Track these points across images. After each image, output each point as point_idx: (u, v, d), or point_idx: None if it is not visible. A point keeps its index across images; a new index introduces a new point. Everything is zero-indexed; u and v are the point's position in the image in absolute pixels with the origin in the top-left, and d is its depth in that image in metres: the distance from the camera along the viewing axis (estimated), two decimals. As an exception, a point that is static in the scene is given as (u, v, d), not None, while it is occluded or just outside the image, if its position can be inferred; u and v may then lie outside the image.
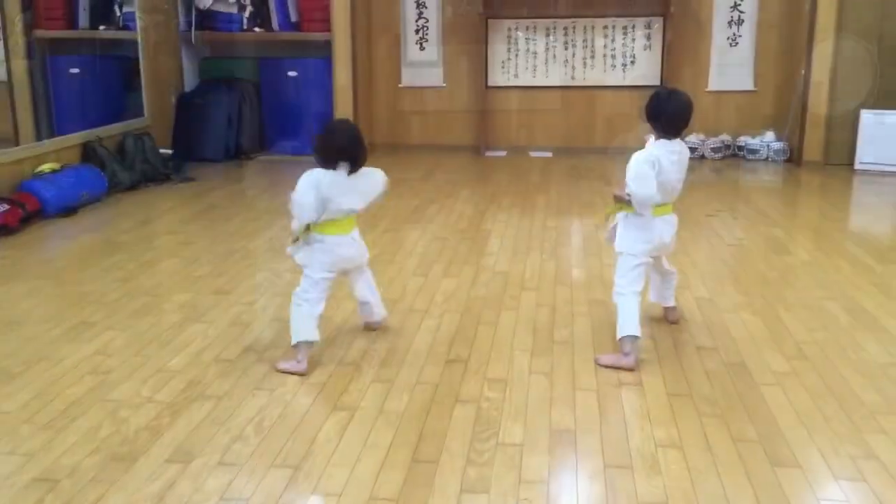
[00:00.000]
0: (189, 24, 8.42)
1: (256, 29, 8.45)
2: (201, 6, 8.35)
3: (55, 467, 2.58)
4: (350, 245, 3.35)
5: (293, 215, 3.25)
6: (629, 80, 8.61)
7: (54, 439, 2.75)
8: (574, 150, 8.68)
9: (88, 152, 6.70)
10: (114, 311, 3.96)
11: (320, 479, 2.51)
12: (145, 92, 7.77)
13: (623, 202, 3.35)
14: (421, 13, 8.80)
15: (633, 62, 8.61)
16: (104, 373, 3.26)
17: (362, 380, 3.21)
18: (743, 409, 2.95)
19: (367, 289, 3.60)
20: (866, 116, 7.56)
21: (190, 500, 2.40)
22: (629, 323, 3.30)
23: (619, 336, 3.32)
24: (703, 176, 7.53)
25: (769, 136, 8.28)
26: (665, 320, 3.78)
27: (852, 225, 6.14)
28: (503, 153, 8.76)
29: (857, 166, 7.64)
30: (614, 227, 3.47)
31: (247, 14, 8.40)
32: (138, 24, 7.63)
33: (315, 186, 3.17)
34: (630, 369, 3.26)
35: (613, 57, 8.63)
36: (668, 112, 3.32)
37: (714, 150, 8.33)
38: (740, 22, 8.38)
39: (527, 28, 8.70)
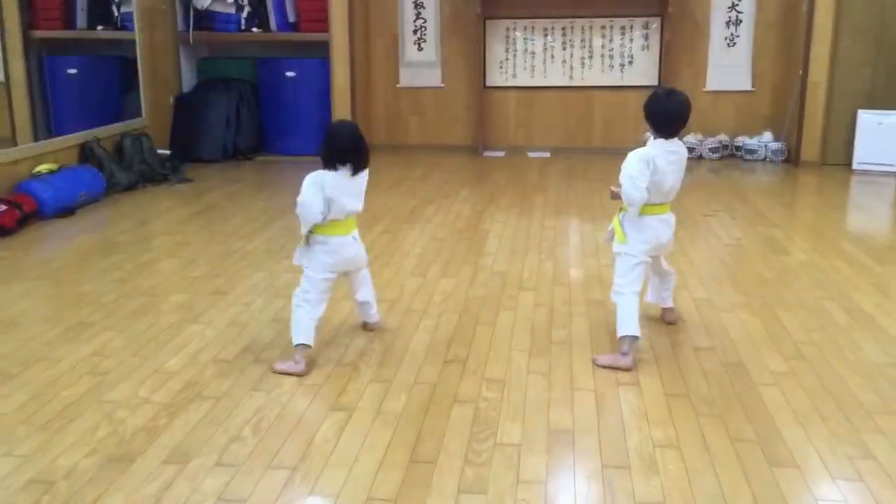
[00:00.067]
0: (187, 24, 8.42)
1: (254, 29, 8.45)
2: (199, 6, 8.34)
3: (52, 468, 2.57)
4: (351, 246, 3.35)
5: (299, 217, 3.24)
6: (627, 81, 8.61)
7: (51, 440, 2.74)
8: (572, 151, 8.68)
9: (86, 153, 6.70)
10: (111, 312, 3.95)
11: (318, 480, 2.51)
12: (143, 92, 7.77)
13: (619, 198, 3.35)
14: (419, 13, 8.80)
15: (630, 62, 8.61)
16: (101, 373, 3.26)
17: (360, 380, 3.21)
18: (741, 410, 2.95)
19: (367, 290, 3.60)
20: (864, 117, 7.57)
21: (188, 501, 2.39)
22: (628, 323, 3.30)
23: (618, 336, 3.32)
24: (701, 176, 7.54)
25: (767, 136, 8.28)
26: (662, 321, 3.78)
27: (850, 225, 6.15)
28: (501, 153, 8.76)
29: (854, 166, 7.65)
30: (613, 228, 3.47)
31: (245, 14, 8.40)
32: (136, 24, 7.62)
33: (320, 187, 3.17)
34: (628, 369, 3.26)
35: (611, 57, 8.63)
36: (666, 112, 3.32)
37: (712, 150, 8.34)
38: (738, 22, 8.39)
39: (525, 28, 8.71)
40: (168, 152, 7.71)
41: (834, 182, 7.30)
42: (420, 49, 8.87)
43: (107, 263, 4.76)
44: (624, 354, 3.30)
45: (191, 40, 8.44)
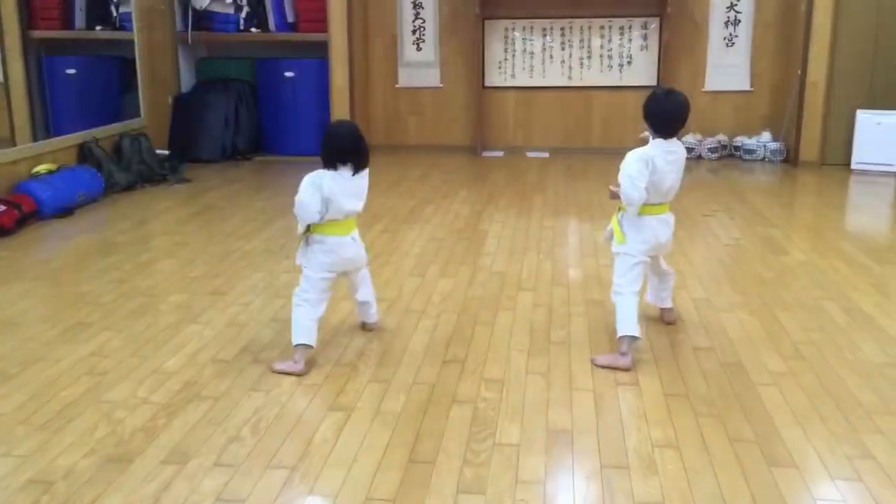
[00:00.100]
0: (186, 24, 8.41)
1: (253, 29, 8.44)
2: (198, 6, 8.34)
3: (50, 469, 2.57)
4: (351, 246, 3.34)
5: (296, 216, 3.24)
6: (626, 81, 8.61)
7: (50, 441, 2.74)
8: (571, 151, 8.68)
9: (85, 153, 6.69)
10: (110, 312, 3.95)
11: (317, 480, 2.51)
12: (142, 92, 7.76)
13: (618, 198, 3.35)
14: (418, 13, 8.80)
15: (629, 62, 8.61)
16: (100, 374, 3.26)
17: (359, 380, 3.21)
18: (740, 409, 2.95)
19: (366, 290, 3.60)
20: (863, 117, 7.58)
21: (186, 502, 2.39)
22: (628, 323, 3.30)
23: (617, 336, 3.32)
24: (700, 176, 7.54)
25: (766, 136, 8.28)
26: (661, 321, 3.78)
27: (849, 225, 6.15)
28: (500, 153, 8.76)
29: (853, 166, 7.65)
30: (611, 228, 3.47)
31: (243, 14, 8.39)
32: (135, 24, 7.61)
33: (318, 187, 3.17)
34: (626, 369, 3.26)
35: (610, 57, 8.64)
36: (665, 112, 3.32)
37: (711, 150, 8.34)
38: (737, 22, 8.39)
39: (523, 28, 8.71)
40: (167, 152, 7.71)
41: (833, 182, 7.31)
42: (419, 49, 8.87)
43: (105, 263, 4.75)
44: (623, 354, 3.30)
45: (189, 40, 8.43)
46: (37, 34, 7.30)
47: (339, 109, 8.22)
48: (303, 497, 2.44)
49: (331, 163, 3.21)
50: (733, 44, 8.43)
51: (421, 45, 8.86)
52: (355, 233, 3.37)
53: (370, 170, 3.36)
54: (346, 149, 3.21)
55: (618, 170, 3.30)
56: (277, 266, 4.68)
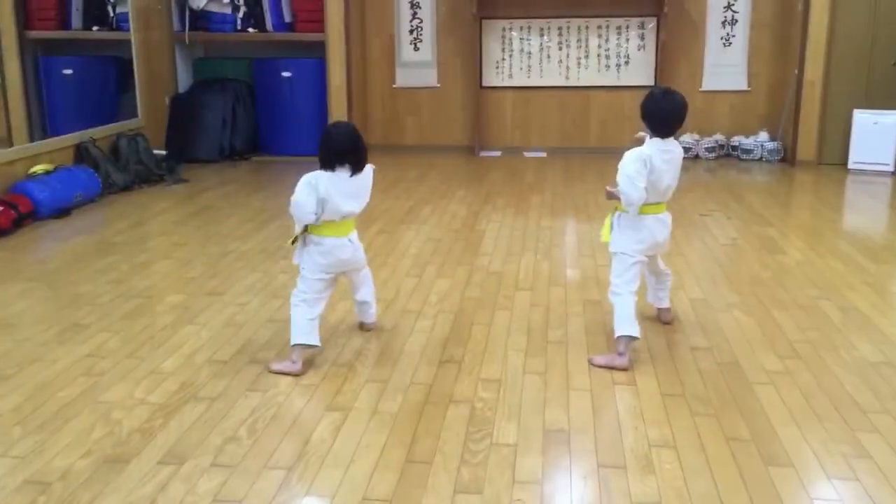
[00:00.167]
0: (183, 24, 8.41)
1: (250, 29, 8.44)
2: (195, 6, 8.34)
3: (47, 469, 2.57)
4: (347, 248, 3.34)
5: (292, 216, 3.24)
6: (623, 81, 8.62)
7: (47, 441, 2.74)
8: (569, 151, 8.68)
9: (82, 153, 6.69)
10: (107, 313, 3.95)
11: (314, 480, 2.51)
12: (139, 92, 7.75)
13: (615, 199, 3.36)
14: (415, 13, 8.80)
15: (627, 62, 8.62)
16: (97, 375, 3.26)
17: (356, 380, 3.21)
18: (736, 409, 2.96)
19: (367, 290, 3.60)
20: (859, 116, 7.58)
21: (183, 502, 2.39)
22: (625, 322, 3.30)
23: (615, 335, 3.32)
24: (697, 176, 7.55)
25: (763, 135, 8.29)
26: (659, 320, 3.78)
27: (846, 224, 6.16)
28: (497, 153, 8.76)
29: (850, 166, 7.66)
30: (610, 228, 3.47)
31: (241, 14, 8.39)
32: (131, 24, 7.61)
33: (314, 188, 3.16)
34: (624, 369, 3.26)
35: (608, 57, 8.64)
36: (662, 111, 3.33)
37: (708, 149, 8.35)
38: (734, 22, 8.40)
39: (521, 28, 8.71)
40: (164, 153, 7.70)
41: (829, 181, 7.32)
42: (416, 49, 8.87)
43: (102, 264, 4.75)
44: (620, 354, 3.30)
45: (186, 40, 8.43)
46: (33, 34, 7.29)
47: (337, 110, 8.22)
48: (300, 497, 2.44)
49: (328, 164, 3.21)
50: (730, 43, 8.44)
51: (418, 45, 8.86)
52: (353, 235, 3.37)
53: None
54: (343, 150, 3.21)
55: (615, 170, 3.30)
56: (274, 266, 4.68)
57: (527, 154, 8.72)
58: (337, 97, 8.26)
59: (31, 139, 6.76)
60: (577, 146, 8.73)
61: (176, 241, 5.35)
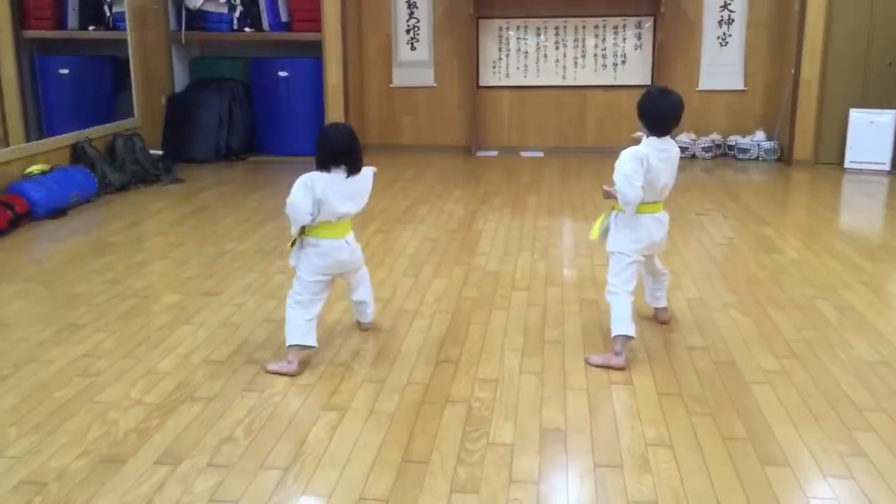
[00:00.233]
0: (179, 24, 8.40)
1: (247, 29, 8.43)
2: (191, 6, 8.32)
3: (43, 470, 2.56)
4: (345, 249, 3.33)
5: (288, 217, 3.24)
6: (620, 80, 8.62)
7: (42, 442, 2.73)
8: (565, 150, 8.69)
9: (78, 153, 6.68)
10: (103, 313, 3.94)
11: (310, 480, 2.51)
12: (135, 92, 7.74)
13: (612, 198, 3.36)
14: (412, 13, 8.79)
15: (623, 62, 8.62)
16: (93, 375, 3.25)
17: (353, 380, 3.20)
18: (733, 408, 2.96)
19: (364, 290, 3.60)
20: (856, 115, 7.59)
21: (179, 502, 2.39)
22: (622, 322, 3.31)
23: (612, 335, 3.32)
24: (693, 175, 7.55)
25: (759, 135, 8.30)
26: (655, 320, 3.78)
27: (842, 224, 6.16)
28: (494, 153, 8.76)
29: (846, 165, 7.67)
30: (606, 228, 3.47)
31: (237, 14, 8.38)
32: (128, 24, 7.60)
33: (310, 189, 3.16)
34: (621, 369, 3.26)
35: (604, 56, 8.64)
36: (659, 110, 3.33)
37: (705, 149, 8.35)
38: (730, 21, 8.41)
39: (518, 28, 8.71)
40: (160, 152, 7.69)
41: (826, 181, 7.33)
42: (413, 49, 8.87)
43: (99, 264, 4.74)
44: (617, 354, 3.30)
45: (183, 40, 8.42)
46: (30, 34, 7.28)
47: (333, 109, 8.21)
48: (296, 498, 2.44)
49: (324, 165, 3.21)
50: (727, 43, 8.45)
51: (415, 44, 8.86)
52: (350, 236, 3.37)
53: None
54: (339, 151, 3.21)
55: (612, 169, 3.30)
56: (271, 267, 4.68)
57: (524, 154, 8.72)
58: (333, 97, 8.26)
59: (28, 139, 6.75)
60: (573, 146, 8.73)
61: (172, 241, 5.34)
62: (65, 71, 7.89)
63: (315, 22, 8.20)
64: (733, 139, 8.39)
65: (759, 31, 8.38)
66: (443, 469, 2.56)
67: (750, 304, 4.04)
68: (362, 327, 3.70)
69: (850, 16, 7.64)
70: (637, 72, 8.58)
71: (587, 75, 8.70)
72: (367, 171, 3.35)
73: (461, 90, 8.82)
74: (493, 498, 2.41)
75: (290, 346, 3.26)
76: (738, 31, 8.41)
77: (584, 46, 8.65)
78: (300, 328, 3.26)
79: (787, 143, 8.04)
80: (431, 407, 2.97)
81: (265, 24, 8.43)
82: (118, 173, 6.86)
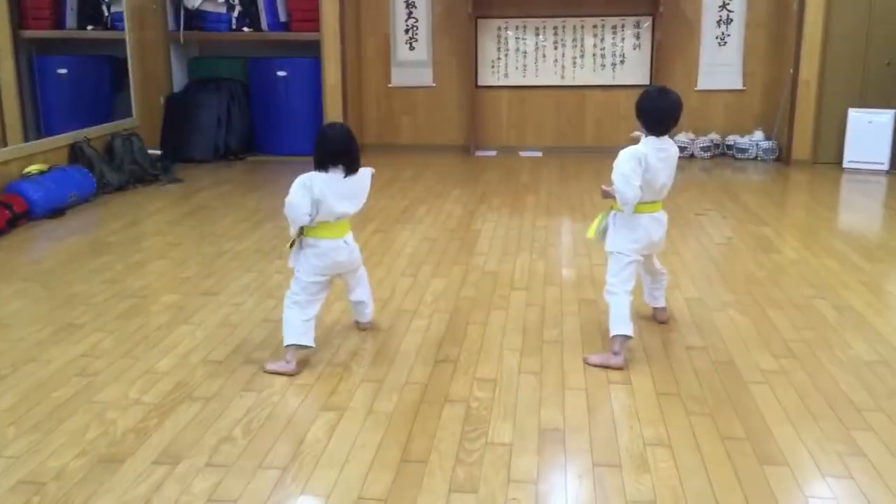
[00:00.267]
0: (178, 23, 8.39)
1: (245, 29, 8.43)
2: (190, 6, 8.32)
3: (41, 470, 2.56)
4: (343, 249, 3.33)
5: (286, 218, 3.23)
6: (619, 80, 8.62)
7: (41, 442, 2.73)
8: (564, 150, 8.69)
9: (76, 153, 6.67)
10: (101, 313, 3.94)
11: (309, 480, 2.51)
12: (133, 92, 7.74)
13: (611, 197, 3.36)
14: (410, 13, 8.79)
15: (622, 62, 8.62)
16: (91, 374, 3.25)
17: (351, 380, 3.20)
18: (731, 408, 2.96)
19: (363, 290, 3.59)
20: (854, 115, 7.60)
21: (178, 502, 2.38)
22: (620, 322, 3.30)
23: (610, 335, 3.32)
24: (692, 175, 7.55)
25: (758, 135, 8.31)
26: (654, 320, 3.78)
27: (841, 223, 6.17)
28: (493, 153, 8.76)
29: (845, 165, 7.68)
30: (604, 227, 3.47)
31: (235, 14, 8.38)
32: (126, 24, 7.59)
33: (308, 189, 3.16)
34: (619, 368, 3.26)
35: (603, 56, 8.65)
36: (657, 109, 3.33)
37: (703, 149, 8.36)
38: (729, 21, 8.41)
39: (516, 27, 8.71)
40: (159, 152, 7.69)
41: (825, 180, 7.33)
42: (412, 49, 8.87)
43: (97, 264, 4.74)
44: (615, 353, 3.30)
45: (181, 40, 8.42)
46: (28, 34, 7.27)
47: (332, 109, 8.21)
48: (294, 497, 2.44)
49: (322, 165, 3.21)
50: (726, 43, 8.46)
51: (414, 44, 8.86)
52: (349, 236, 3.36)
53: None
54: (336, 151, 3.21)
55: (611, 169, 3.30)
56: (269, 266, 4.68)
57: (522, 153, 8.72)
58: (332, 97, 8.26)
59: (26, 139, 6.75)
60: (572, 145, 8.73)
61: (171, 240, 5.34)
62: (63, 71, 7.88)
63: (313, 22, 8.20)
64: (732, 139, 8.40)
65: (757, 31, 8.39)
66: (441, 469, 2.56)
67: (748, 304, 4.04)
68: (361, 327, 3.70)
69: (849, 15, 7.64)
70: (636, 72, 8.58)
71: (586, 75, 8.70)
72: (365, 172, 3.35)
73: (460, 90, 8.82)
74: (492, 497, 2.41)
75: (288, 345, 3.26)
76: (736, 31, 8.41)
77: (582, 46, 8.65)
78: (297, 328, 3.25)
79: (786, 143, 8.04)
80: (430, 407, 2.97)
81: (264, 24, 8.42)
82: (116, 173, 6.85)
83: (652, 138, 3.33)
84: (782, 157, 8.12)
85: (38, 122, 7.35)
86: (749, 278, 4.47)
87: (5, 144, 6.34)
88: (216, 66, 8.71)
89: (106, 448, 2.69)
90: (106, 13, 7.83)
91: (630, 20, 8.53)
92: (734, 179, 7.48)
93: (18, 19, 7.11)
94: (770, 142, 8.21)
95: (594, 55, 8.65)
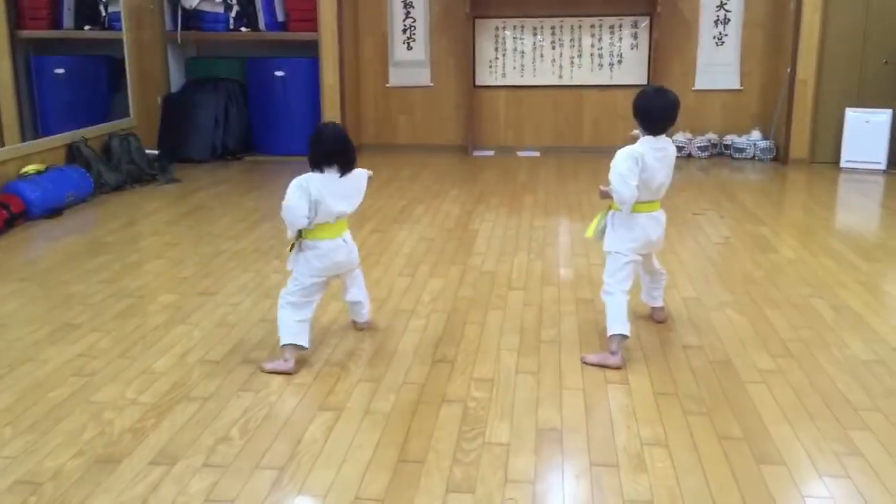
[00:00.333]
0: (175, 23, 8.39)
1: (243, 29, 8.42)
2: (187, 6, 8.31)
3: (38, 470, 2.56)
4: (342, 248, 3.33)
5: (284, 221, 3.23)
6: (616, 80, 8.63)
7: (37, 442, 2.73)
8: (562, 150, 8.69)
9: (74, 153, 6.67)
10: (99, 313, 3.93)
11: (306, 480, 2.51)
12: (131, 92, 7.73)
13: (609, 197, 3.36)
14: (408, 13, 8.79)
15: (620, 61, 8.63)
16: (89, 374, 3.24)
17: (349, 380, 3.20)
18: (728, 408, 2.96)
19: (358, 290, 3.59)
20: (851, 115, 7.61)
21: (175, 502, 2.38)
22: (618, 321, 3.30)
23: (608, 334, 3.32)
24: (690, 174, 7.56)
25: (755, 134, 8.32)
26: (652, 319, 3.78)
27: (838, 223, 6.17)
28: (491, 153, 8.76)
29: (842, 164, 7.69)
30: (603, 227, 3.47)
31: (233, 14, 8.37)
32: (123, 24, 7.58)
33: (305, 190, 3.15)
34: (617, 368, 3.26)
35: (601, 56, 8.65)
36: (655, 109, 3.33)
37: (701, 148, 8.36)
38: (726, 21, 8.42)
39: (514, 27, 8.71)
40: (156, 152, 7.68)
41: (822, 180, 7.34)
42: (409, 48, 8.86)
43: (94, 264, 4.73)
44: (613, 353, 3.30)
45: (179, 40, 8.41)
46: (25, 34, 7.26)
47: (330, 109, 8.21)
48: (292, 497, 2.43)
49: (317, 165, 3.21)
50: (723, 42, 8.46)
51: (411, 44, 8.85)
52: (346, 235, 3.36)
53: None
54: (331, 151, 3.21)
55: (609, 169, 3.30)
56: (267, 266, 4.67)
57: (520, 153, 8.72)
58: (330, 96, 8.25)
59: (23, 139, 6.73)
60: (570, 145, 8.74)
61: (168, 240, 5.34)
62: (60, 71, 7.87)
63: (311, 21, 8.19)
64: (729, 138, 8.40)
65: (754, 31, 8.40)
66: (439, 469, 2.56)
67: (746, 304, 4.04)
68: (358, 327, 3.70)
69: (846, 15, 7.65)
70: (633, 71, 8.58)
71: (583, 75, 8.70)
72: (361, 172, 3.35)
73: (457, 90, 8.82)
74: (489, 497, 2.41)
75: (284, 345, 3.26)
76: (734, 31, 8.42)
77: (580, 46, 8.65)
78: (292, 328, 3.25)
79: (783, 143, 8.05)
80: (427, 407, 2.97)
81: (261, 24, 8.42)
82: (114, 173, 6.84)
83: (649, 138, 3.33)
84: (779, 156, 8.13)
85: (36, 122, 7.34)
86: (746, 278, 4.47)
87: (2, 144, 6.33)
88: (214, 66, 8.70)
89: (103, 448, 2.69)
90: (103, 13, 7.82)
91: (627, 20, 8.53)
92: (731, 179, 7.48)
93: (15, 19, 7.09)
94: (767, 141, 8.22)
95: (592, 55, 8.65)
